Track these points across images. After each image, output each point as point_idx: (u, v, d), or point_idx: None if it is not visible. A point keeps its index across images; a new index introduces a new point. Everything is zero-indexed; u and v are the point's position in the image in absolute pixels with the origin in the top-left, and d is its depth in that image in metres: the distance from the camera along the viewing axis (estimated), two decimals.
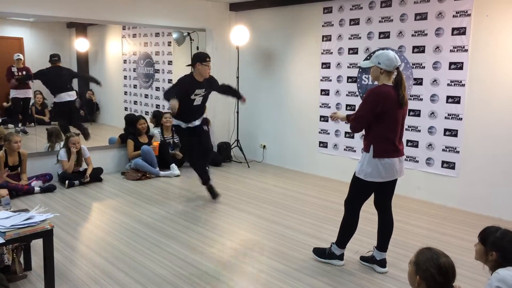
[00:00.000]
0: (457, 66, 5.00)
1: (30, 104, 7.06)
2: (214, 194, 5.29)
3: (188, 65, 5.23)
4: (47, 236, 2.98)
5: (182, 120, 5.14)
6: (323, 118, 6.44)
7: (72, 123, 6.78)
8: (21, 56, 6.53)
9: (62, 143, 6.00)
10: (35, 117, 7.08)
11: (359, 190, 3.41)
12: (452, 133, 5.11)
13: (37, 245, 3.38)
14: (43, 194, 5.38)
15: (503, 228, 2.33)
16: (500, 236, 2.27)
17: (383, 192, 3.45)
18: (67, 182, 5.67)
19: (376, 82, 3.36)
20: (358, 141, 5.98)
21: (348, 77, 6.08)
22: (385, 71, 3.25)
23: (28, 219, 2.96)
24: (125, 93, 8.12)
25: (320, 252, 3.66)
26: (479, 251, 2.36)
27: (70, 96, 6.77)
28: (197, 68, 4.96)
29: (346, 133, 6.17)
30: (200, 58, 4.96)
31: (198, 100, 5.07)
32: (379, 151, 3.25)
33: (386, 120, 3.22)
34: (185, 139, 5.35)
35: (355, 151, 6.06)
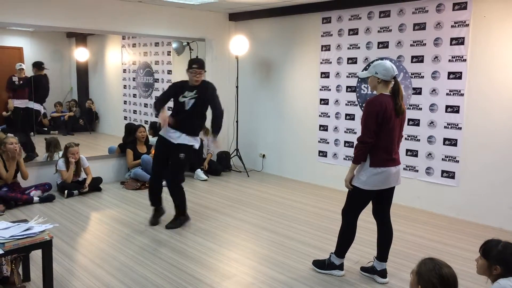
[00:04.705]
0: (456, 75, 5.02)
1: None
2: (156, 218, 4.85)
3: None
4: (46, 247, 2.97)
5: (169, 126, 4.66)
6: (323, 128, 6.45)
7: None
8: (23, 66, 6.54)
9: (60, 153, 5.99)
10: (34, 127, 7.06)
11: (356, 199, 3.41)
12: (452, 142, 5.12)
13: (36, 255, 3.37)
14: (42, 204, 5.36)
15: (503, 240, 2.33)
16: (502, 250, 2.27)
17: (381, 201, 3.46)
18: (66, 192, 5.66)
19: (374, 92, 3.38)
20: None
21: (347, 87, 6.10)
22: (382, 80, 3.28)
23: (27, 229, 2.95)
24: (125, 102, 8.13)
25: (320, 264, 3.65)
26: (482, 265, 2.33)
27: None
28: (187, 74, 4.79)
29: (345, 142, 6.17)
30: (188, 65, 4.76)
31: (188, 104, 4.70)
32: (376, 160, 3.27)
33: (384, 129, 3.24)
34: (157, 151, 4.88)
35: None
